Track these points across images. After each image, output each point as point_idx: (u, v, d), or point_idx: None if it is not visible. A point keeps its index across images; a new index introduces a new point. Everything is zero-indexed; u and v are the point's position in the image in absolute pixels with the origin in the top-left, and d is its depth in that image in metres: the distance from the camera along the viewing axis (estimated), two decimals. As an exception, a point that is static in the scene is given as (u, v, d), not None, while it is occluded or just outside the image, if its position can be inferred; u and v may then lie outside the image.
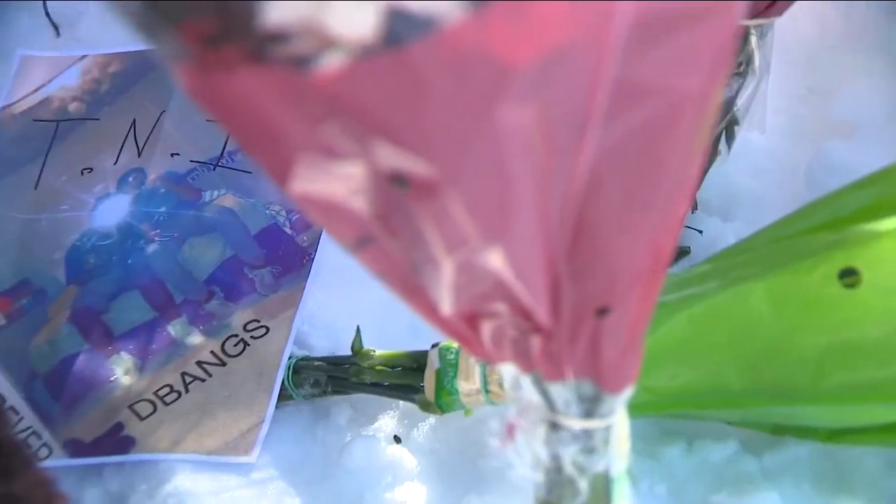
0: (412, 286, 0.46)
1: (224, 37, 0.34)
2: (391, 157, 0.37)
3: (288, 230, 1.09)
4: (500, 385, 0.81)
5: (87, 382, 0.99)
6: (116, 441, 0.94)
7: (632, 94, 0.38)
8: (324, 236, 1.08)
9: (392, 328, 0.99)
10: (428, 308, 0.48)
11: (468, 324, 0.49)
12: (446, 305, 0.46)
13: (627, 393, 0.51)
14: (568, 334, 0.47)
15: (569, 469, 0.51)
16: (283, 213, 1.10)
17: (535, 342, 0.48)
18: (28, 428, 0.95)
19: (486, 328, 0.49)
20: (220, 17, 0.33)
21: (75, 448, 0.94)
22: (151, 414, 0.96)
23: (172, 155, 1.13)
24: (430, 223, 0.40)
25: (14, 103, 1.18)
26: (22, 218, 1.11)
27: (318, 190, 0.40)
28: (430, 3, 0.31)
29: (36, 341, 1.03)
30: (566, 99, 0.37)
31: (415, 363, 0.88)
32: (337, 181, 0.39)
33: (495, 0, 0.31)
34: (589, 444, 0.51)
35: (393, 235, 0.43)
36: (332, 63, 0.33)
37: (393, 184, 0.38)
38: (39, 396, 0.98)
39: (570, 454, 0.51)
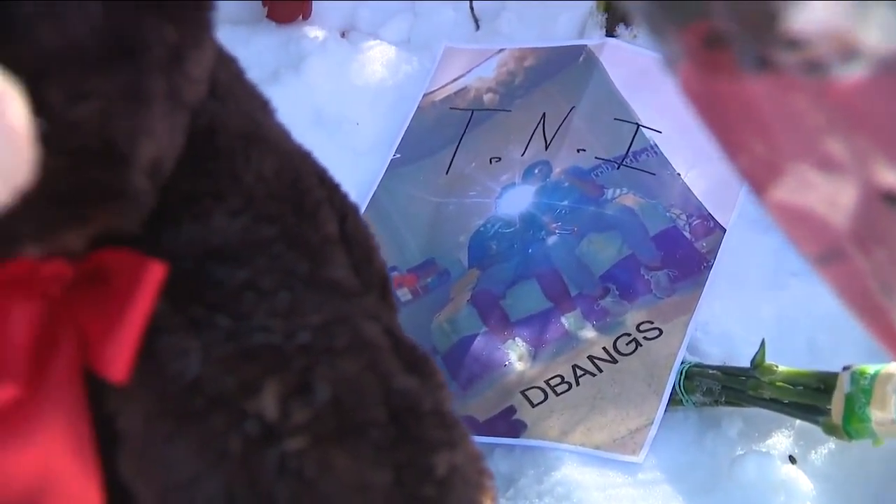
0: (873, 306, 0.45)
1: (730, 39, 0.34)
2: (891, 176, 0.35)
3: (687, 234, 1.08)
4: (919, 418, 0.77)
5: (484, 364, 1.03)
6: (508, 424, 0.97)
7: None
8: (724, 244, 1.06)
9: (788, 344, 0.96)
10: (886, 330, 0.45)
11: (928, 352, 0.46)
12: (911, 331, 0.44)
13: None
14: None
15: None
16: (684, 216, 1.09)
17: None
18: (430, 400, 1.00)
19: (947, 359, 0.46)
20: (737, 19, 0.33)
21: (470, 425, 0.98)
22: (542, 402, 0.98)
23: (578, 151, 1.15)
24: (917, 245, 0.38)
25: (434, 91, 1.24)
26: (433, 201, 1.17)
27: (798, 201, 0.39)
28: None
29: (437, 319, 1.08)
30: None
31: (821, 384, 0.84)
32: (820, 194, 0.38)
33: None
34: None
35: (866, 254, 0.41)
36: (851, 73, 0.32)
37: (885, 202, 0.37)
38: (439, 372, 1.03)
39: None
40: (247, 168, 0.52)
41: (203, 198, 0.51)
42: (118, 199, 0.45)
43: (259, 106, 0.58)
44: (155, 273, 0.45)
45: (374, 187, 1.18)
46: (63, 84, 0.41)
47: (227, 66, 0.57)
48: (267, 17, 1.29)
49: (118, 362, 0.45)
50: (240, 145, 0.53)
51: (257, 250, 0.50)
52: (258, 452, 0.45)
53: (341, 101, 1.23)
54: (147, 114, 0.45)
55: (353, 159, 1.20)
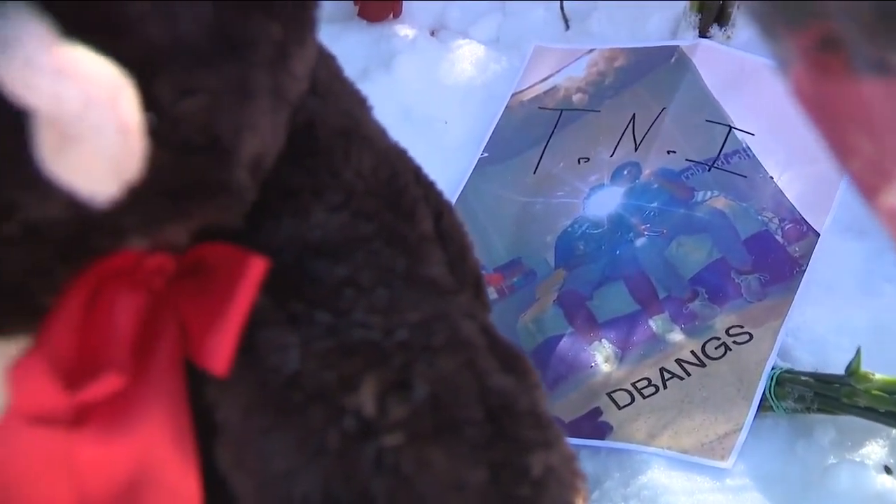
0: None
1: (846, 41, 0.34)
2: None
3: (779, 238, 1.06)
4: None
5: (569, 365, 1.02)
6: (594, 425, 0.97)
7: None
8: (818, 249, 1.04)
9: (884, 352, 0.94)
10: None
11: None
12: None
13: None
14: None
15: None
16: (776, 220, 1.07)
17: None
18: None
19: None
20: (854, 21, 0.33)
21: (555, 426, 0.98)
22: (629, 404, 0.98)
23: (669, 152, 1.14)
24: None
25: (523, 91, 1.24)
26: (520, 200, 1.17)
27: (912, 206, 0.38)
28: None
29: (523, 319, 1.08)
30: None
31: (918, 393, 0.83)
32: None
33: None
34: None
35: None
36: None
37: None
38: (525, 372, 1.02)
39: None
40: (346, 164, 0.53)
41: (302, 193, 0.51)
42: (221, 193, 0.46)
43: (357, 103, 0.58)
44: (257, 267, 0.46)
45: (462, 186, 1.18)
46: (172, 79, 0.42)
47: (327, 64, 0.57)
48: (358, 15, 1.29)
49: (219, 355, 0.45)
50: (339, 142, 0.54)
51: (356, 246, 0.50)
52: (355, 448, 0.45)
53: (430, 99, 1.23)
54: (251, 109, 0.45)
55: (442, 158, 1.20)
